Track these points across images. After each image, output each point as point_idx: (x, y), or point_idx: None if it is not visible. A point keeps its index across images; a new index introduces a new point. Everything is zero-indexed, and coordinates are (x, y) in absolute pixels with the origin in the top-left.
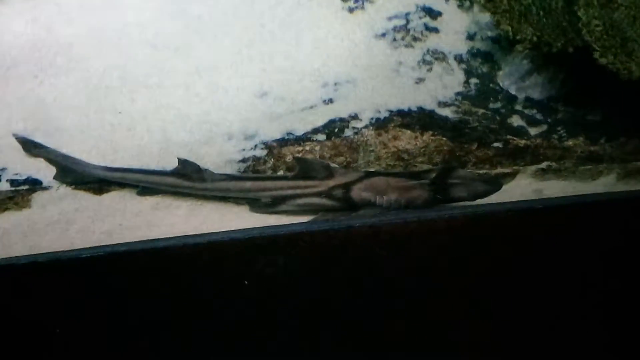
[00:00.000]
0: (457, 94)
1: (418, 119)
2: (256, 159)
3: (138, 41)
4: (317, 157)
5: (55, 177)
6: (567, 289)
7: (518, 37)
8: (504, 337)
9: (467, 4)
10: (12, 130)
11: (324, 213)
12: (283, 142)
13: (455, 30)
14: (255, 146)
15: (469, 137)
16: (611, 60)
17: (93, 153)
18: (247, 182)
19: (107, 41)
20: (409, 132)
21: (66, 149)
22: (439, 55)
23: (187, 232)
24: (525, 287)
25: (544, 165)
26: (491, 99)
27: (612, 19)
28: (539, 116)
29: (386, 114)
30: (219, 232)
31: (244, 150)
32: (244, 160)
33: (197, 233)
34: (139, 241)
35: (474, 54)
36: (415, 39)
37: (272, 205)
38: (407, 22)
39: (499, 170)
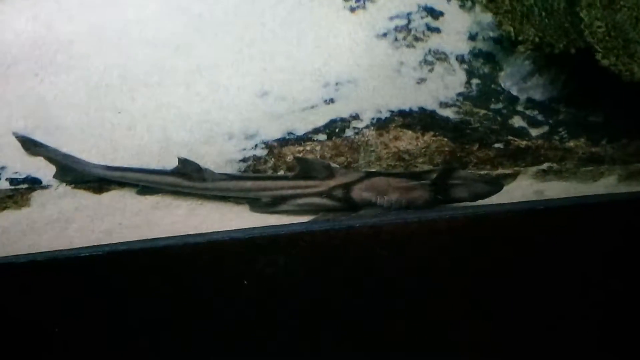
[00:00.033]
0: (459, 94)
1: (419, 120)
2: (257, 158)
3: (138, 39)
4: (318, 157)
5: (54, 176)
6: (568, 289)
7: (520, 38)
8: (505, 338)
9: (469, 4)
10: (12, 129)
11: (324, 213)
12: (284, 141)
13: (457, 31)
14: (256, 146)
15: (470, 137)
16: (613, 61)
17: (93, 152)
18: (247, 182)
19: (107, 39)
20: (410, 132)
21: (66, 148)
22: (440, 56)
23: (187, 231)
24: (526, 288)
25: (545, 166)
26: (493, 99)
27: (615, 20)
28: (540, 117)
29: (387, 114)
30: (219, 231)
31: (244, 149)
32: (244, 160)
33: (197, 232)
34: (138, 240)
35: (475, 54)
36: (416, 39)
37: (272, 205)
38: (409, 22)
39: (500, 171)
